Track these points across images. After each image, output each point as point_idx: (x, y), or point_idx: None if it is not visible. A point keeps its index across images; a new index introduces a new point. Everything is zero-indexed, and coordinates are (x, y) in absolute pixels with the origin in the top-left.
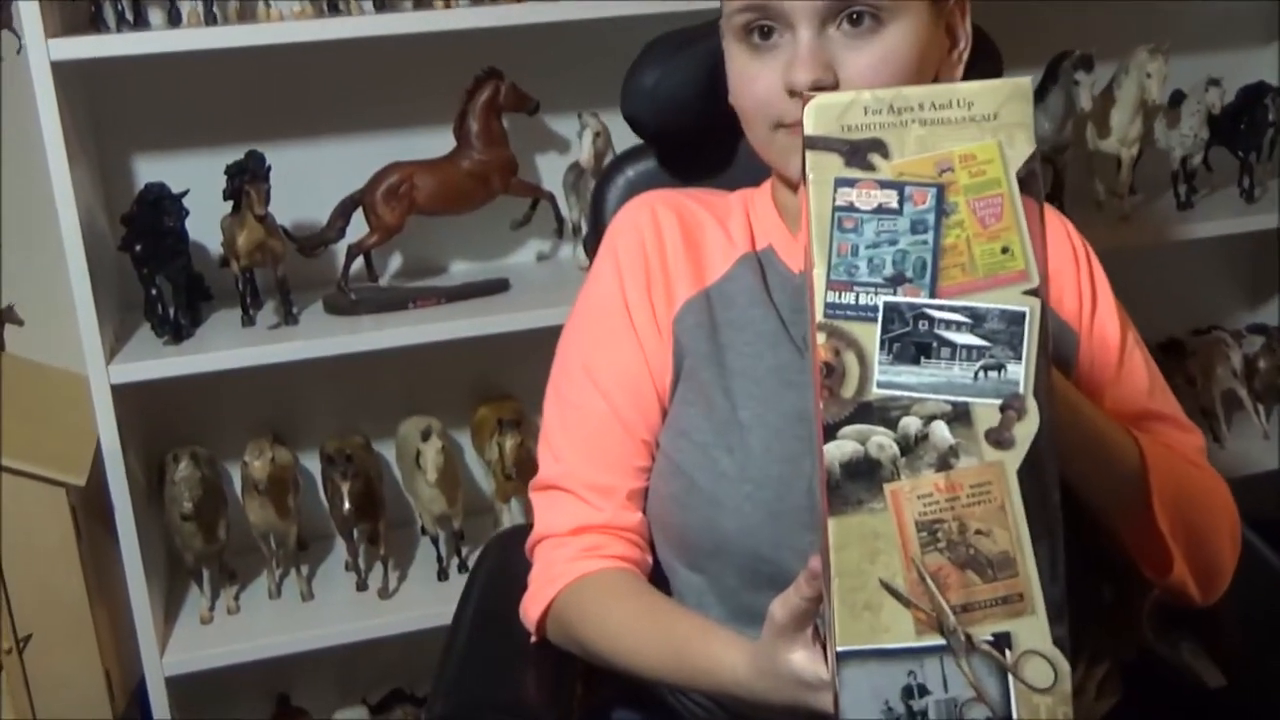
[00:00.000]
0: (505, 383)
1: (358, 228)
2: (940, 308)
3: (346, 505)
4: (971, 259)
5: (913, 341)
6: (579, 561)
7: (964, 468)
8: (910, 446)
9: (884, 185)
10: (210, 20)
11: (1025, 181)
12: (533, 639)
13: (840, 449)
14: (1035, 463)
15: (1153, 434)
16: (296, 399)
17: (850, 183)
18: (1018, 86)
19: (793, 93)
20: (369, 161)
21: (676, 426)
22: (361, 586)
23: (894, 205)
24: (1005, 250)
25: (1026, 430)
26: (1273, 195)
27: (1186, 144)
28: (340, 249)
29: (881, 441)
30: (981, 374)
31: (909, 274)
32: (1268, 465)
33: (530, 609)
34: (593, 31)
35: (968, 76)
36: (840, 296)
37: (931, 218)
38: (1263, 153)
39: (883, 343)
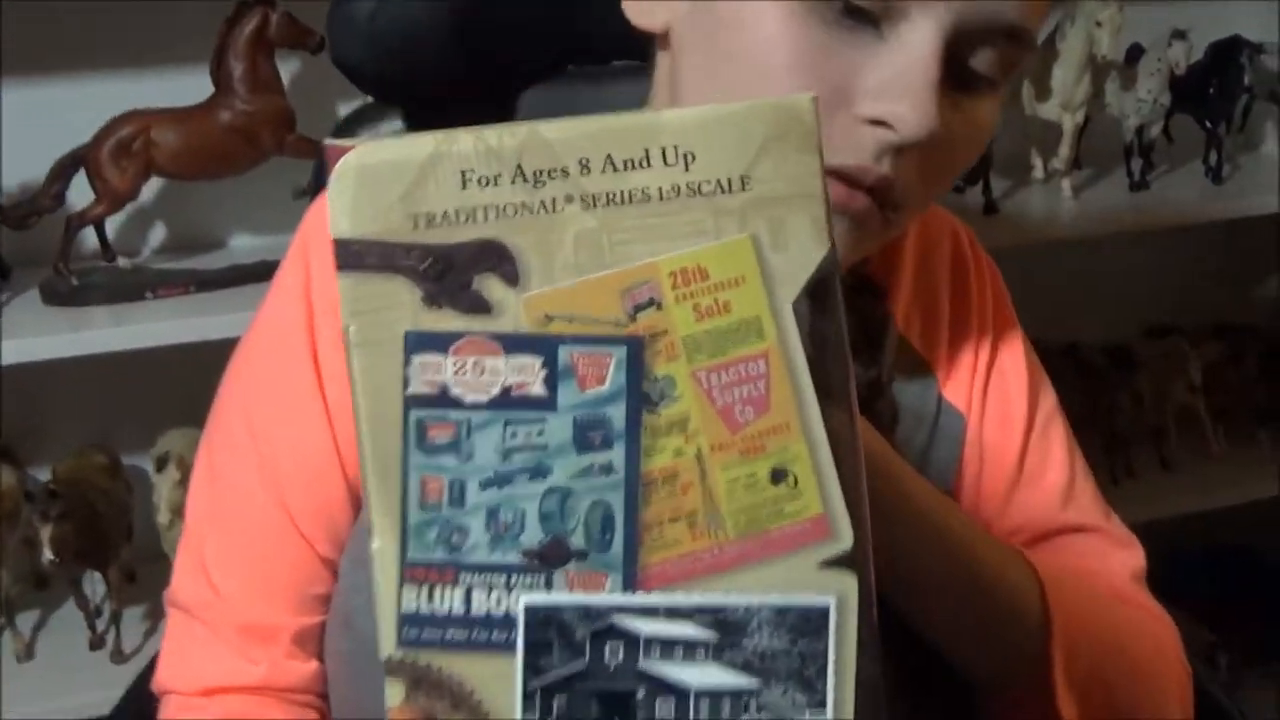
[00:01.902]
0: None
1: (84, 194)
2: (648, 613)
3: (46, 553)
4: (710, 501)
5: (595, 692)
6: None
7: None
8: None
9: (511, 346)
10: None
11: (816, 303)
12: None
13: None
14: None
15: (1068, 553)
16: (25, 406)
17: (438, 343)
18: (788, 109)
19: (873, 122)
20: (108, 107)
21: (357, 550)
22: (96, 644)
23: (535, 389)
24: (780, 475)
25: None
26: (1245, 175)
27: (1143, 110)
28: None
29: None
30: None
31: (577, 542)
32: (1223, 499)
33: None
34: None
35: None
36: (429, 599)
37: (618, 413)
38: (1233, 123)
39: (529, 697)
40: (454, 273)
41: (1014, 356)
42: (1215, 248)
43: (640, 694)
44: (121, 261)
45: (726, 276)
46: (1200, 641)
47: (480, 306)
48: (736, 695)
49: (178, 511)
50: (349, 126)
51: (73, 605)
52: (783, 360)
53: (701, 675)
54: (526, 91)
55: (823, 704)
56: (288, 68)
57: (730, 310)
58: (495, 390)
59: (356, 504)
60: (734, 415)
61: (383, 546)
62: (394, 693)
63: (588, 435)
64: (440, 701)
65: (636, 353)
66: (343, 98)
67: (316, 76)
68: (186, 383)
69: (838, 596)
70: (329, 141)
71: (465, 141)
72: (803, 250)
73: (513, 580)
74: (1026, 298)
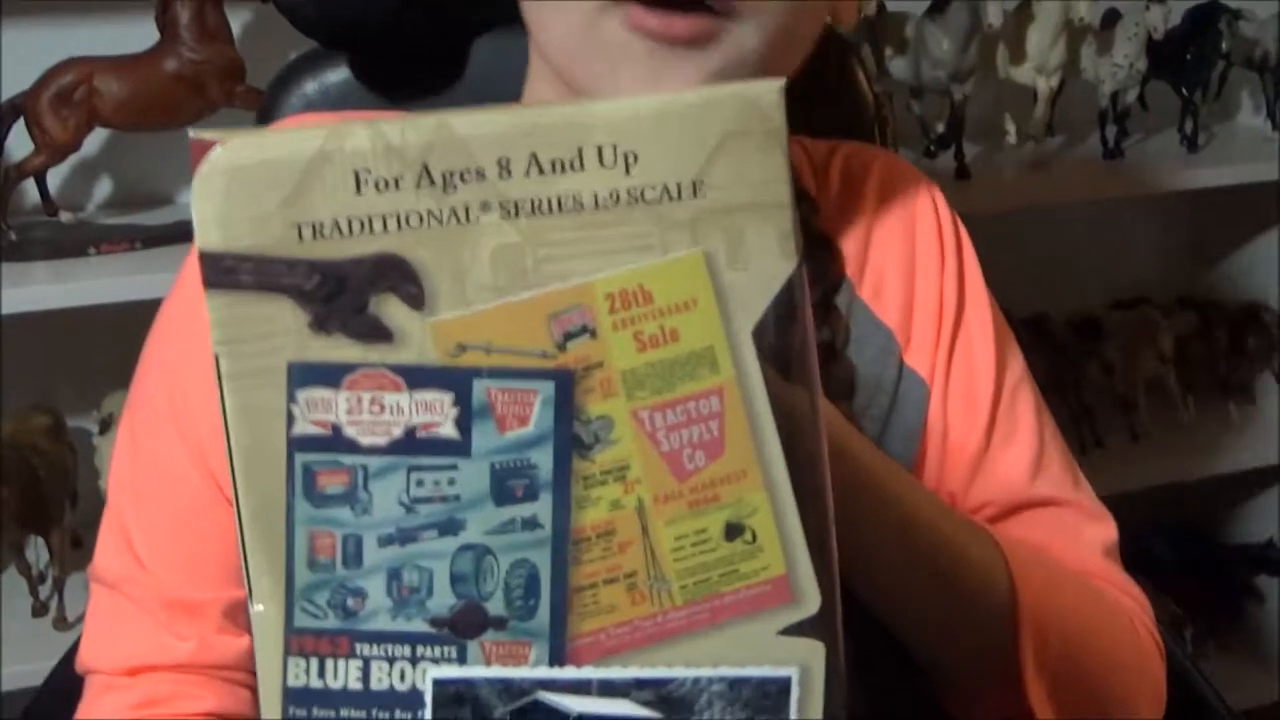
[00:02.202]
0: None
1: (24, 144)
2: (579, 689)
3: None
4: (653, 561)
5: None
6: None
7: None
8: None
9: (416, 380)
10: None
11: (781, 324)
12: None
13: None
14: None
15: (1037, 528)
16: None
17: (329, 375)
18: (750, 101)
19: None
20: (48, 54)
21: None
22: (39, 611)
23: (445, 430)
24: (736, 531)
25: None
26: (1220, 143)
27: (1119, 76)
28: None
29: None
30: None
31: (495, 608)
32: (1192, 471)
33: None
34: None
35: None
36: (320, 673)
37: (544, 459)
38: (1209, 90)
39: None
40: (347, 293)
41: (982, 322)
42: (1186, 218)
43: None
44: (63, 216)
45: (674, 300)
46: (1166, 614)
47: (378, 333)
48: None
49: None
50: (290, 76)
51: (15, 571)
52: (740, 397)
53: None
54: (479, 39)
55: None
56: (237, 17)
57: (678, 339)
58: (397, 431)
59: None
60: (682, 461)
61: (264, 612)
62: None
63: (508, 485)
64: None
65: (566, 388)
66: (294, 47)
67: (266, 26)
68: (132, 342)
69: (801, 667)
70: (192, 133)
71: (359, 137)
72: (765, 268)
73: (419, 652)
74: (995, 266)
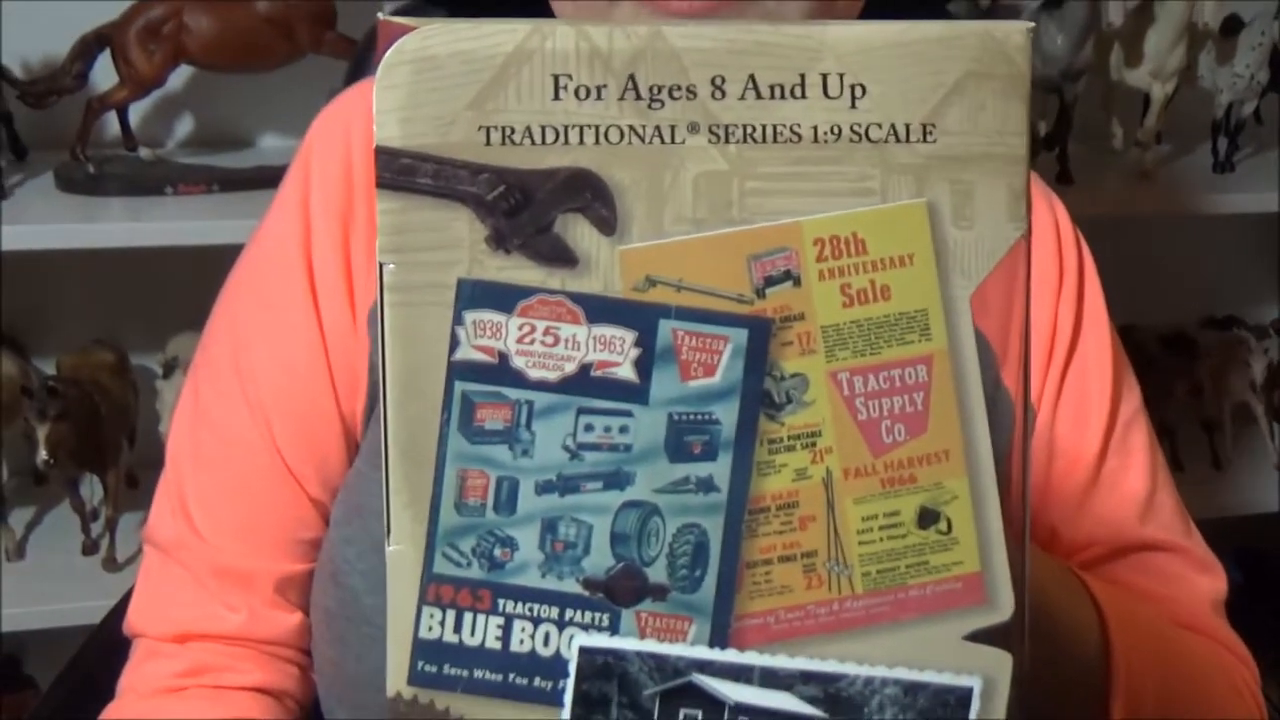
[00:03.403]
0: None
1: (110, 75)
2: (739, 675)
3: (41, 453)
4: (836, 542)
5: None
6: (176, 699)
7: None
8: None
9: (597, 312)
10: None
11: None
12: None
13: None
14: None
15: (1144, 573)
16: (33, 296)
17: (502, 297)
18: (997, 41)
19: None
20: None
21: (351, 497)
22: (90, 549)
23: (623, 372)
24: (931, 518)
25: None
26: None
27: (1238, 87)
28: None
29: None
30: None
31: (657, 575)
32: (1273, 503)
33: None
34: None
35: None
36: (456, 627)
37: (728, 416)
38: None
39: None
40: (532, 208)
41: (1100, 349)
42: None
43: None
44: (143, 152)
45: (890, 253)
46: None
47: (562, 256)
48: None
49: None
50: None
51: (68, 507)
52: (950, 369)
53: None
54: None
55: None
56: None
57: (889, 297)
58: (570, 368)
59: (351, 443)
60: (880, 434)
61: (402, 552)
62: None
63: (685, 440)
64: None
65: (761, 339)
66: None
67: None
68: (202, 286)
69: (985, 678)
70: (383, 16)
71: (564, 37)
72: (992, 228)
73: (567, 615)
74: None
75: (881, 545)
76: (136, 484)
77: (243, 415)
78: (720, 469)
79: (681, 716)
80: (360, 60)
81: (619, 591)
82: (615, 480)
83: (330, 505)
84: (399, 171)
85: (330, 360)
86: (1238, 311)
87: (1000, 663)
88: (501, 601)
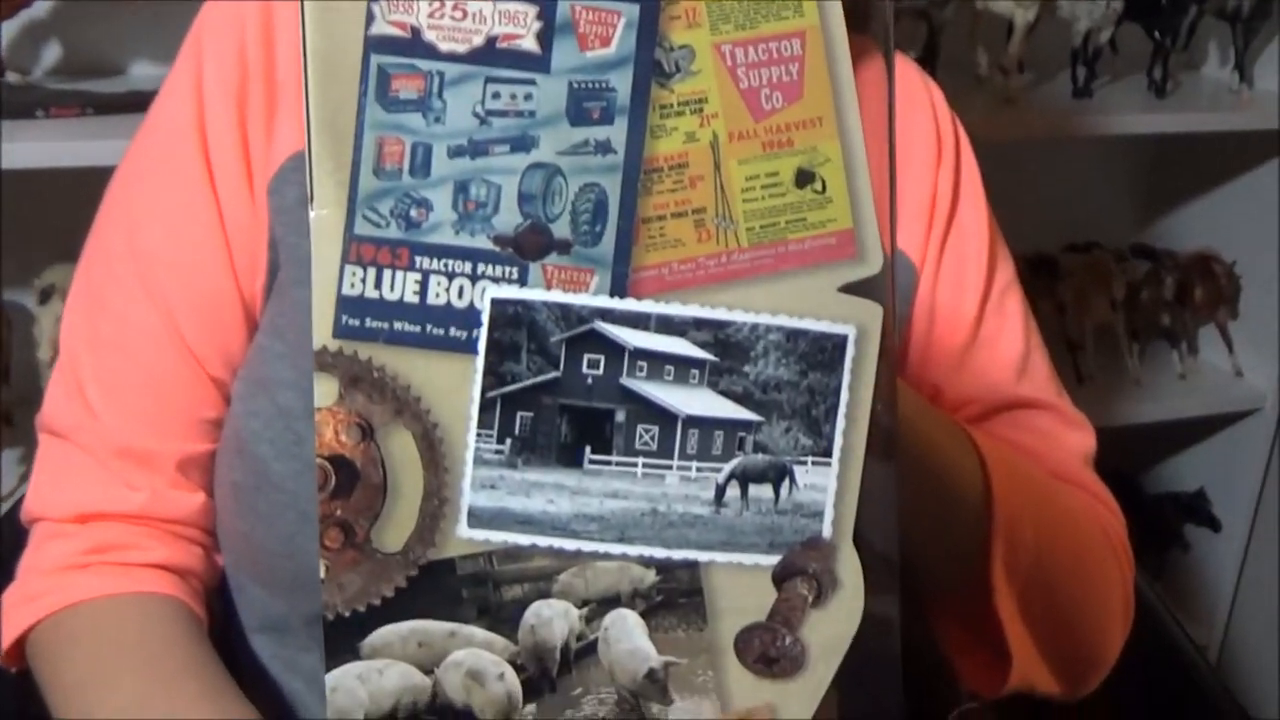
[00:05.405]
0: None
1: None
2: (637, 322)
3: None
4: (723, 199)
5: (566, 408)
6: (80, 574)
7: None
8: (546, 674)
9: None
10: None
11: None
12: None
13: (361, 690)
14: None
15: (1020, 429)
16: None
17: None
18: None
19: None
20: None
21: (254, 372)
22: None
23: (527, 44)
24: (807, 177)
25: (839, 623)
26: (1185, 92)
27: (1095, 15)
28: None
29: (476, 666)
30: (734, 491)
31: (561, 230)
32: (1131, 417)
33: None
34: None
35: None
36: (376, 283)
37: (623, 83)
38: (1179, 38)
39: (486, 407)
40: None
41: (977, 220)
42: (1146, 164)
43: (619, 416)
44: (10, 76)
45: None
46: None
47: None
48: (732, 428)
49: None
50: None
51: None
52: (822, 44)
53: (693, 401)
54: None
55: (828, 452)
56: None
57: None
58: (478, 40)
59: (251, 322)
60: (760, 100)
61: (325, 216)
62: (325, 390)
63: (584, 106)
64: (379, 405)
65: (651, 13)
66: None
67: None
68: (76, 212)
69: (858, 326)
70: None
71: None
72: None
73: (479, 269)
74: None
75: (763, 203)
76: (11, 421)
77: (139, 297)
78: (617, 132)
79: (585, 360)
80: None
81: (526, 246)
82: (521, 144)
83: (231, 384)
84: None
85: (229, 241)
86: (1098, 236)
87: (872, 314)
88: (418, 258)
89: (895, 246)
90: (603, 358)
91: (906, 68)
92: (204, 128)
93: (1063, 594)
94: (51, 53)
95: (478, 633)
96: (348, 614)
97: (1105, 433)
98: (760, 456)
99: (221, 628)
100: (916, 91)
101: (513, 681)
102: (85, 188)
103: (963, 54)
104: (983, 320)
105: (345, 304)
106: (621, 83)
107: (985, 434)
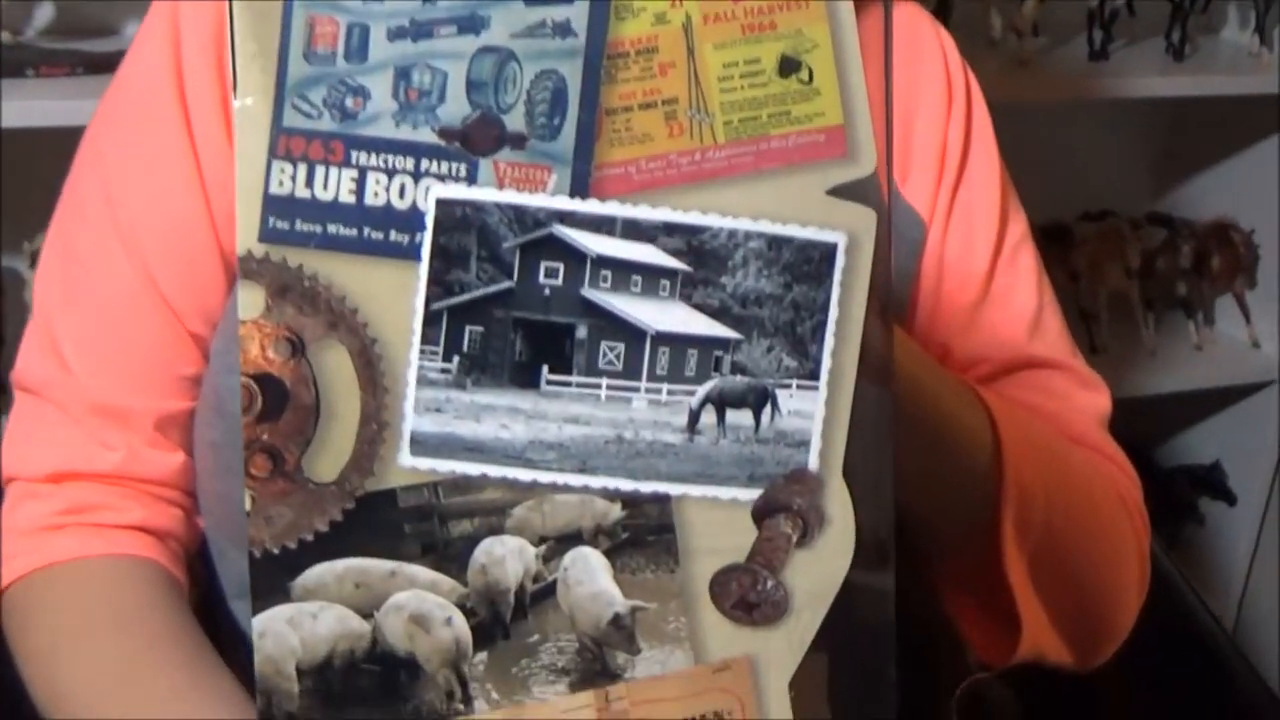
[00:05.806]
0: None
1: None
2: (601, 226)
3: None
4: (697, 88)
5: (521, 322)
6: (54, 536)
7: (647, 679)
8: (499, 619)
9: None
10: None
11: None
12: None
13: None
14: (853, 654)
15: (1032, 390)
16: None
17: None
18: None
19: None
20: None
21: (232, 326)
22: None
23: None
24: (792, 66)
25: (826, 566)
26: (1204, 55)
27: None
28: None
29: (420, 609)
30: (709, 417)
31: (514, 123)
32: (1146, 388)
33: None
34: None
35: None
36: (308, 181)
37: None
38: (1199, 1)
39: (431, 321)
40: None
41: (989, 172)
42: (1163, 129)
43: (580, 331)
44: (3, 36)
45: None
46: None
47: None
48: (707, 346)
49: None
50: None
51: None
52: None
53: (663, 316)
54: None
55: (814, 374)
56: None
57: None
58: None
59: (230, 274)
60: None
61: (251, 106)
62: (251, 301)
63: None
64: (311, 318)
65: None
66: None
67: None
68: (67, 174)
69: (849, 234)
70: None
71: None
72: None
73: (423, 166)
74: None
75: (743, 93)
76: (5, 389)
77: (114, 249)
78: (577, 12)
79: (542, 269)
80: None
81: (476, 140)
82: (470, 24)
83: (209, 340)
84: None
85: (207, 192)
86: (1114, 204)
87: (865, 220)
88: (354, 153)
89: (890, 146)
90: (562, 266)
91: (916, 13)
92: (181, 76)
93: (1075, 560)
94: (43, 13)
95: (422, 573)
96: (276, 550)
97: (1119, 404)
98: (739, 378)
99: (205, 592)
100: (926, 38)
101: (461, 627)
102: (76, 149)
103: (976, 15)
104: (994, 276)
105: (272, 204)
106: None
107: (995, 394)
